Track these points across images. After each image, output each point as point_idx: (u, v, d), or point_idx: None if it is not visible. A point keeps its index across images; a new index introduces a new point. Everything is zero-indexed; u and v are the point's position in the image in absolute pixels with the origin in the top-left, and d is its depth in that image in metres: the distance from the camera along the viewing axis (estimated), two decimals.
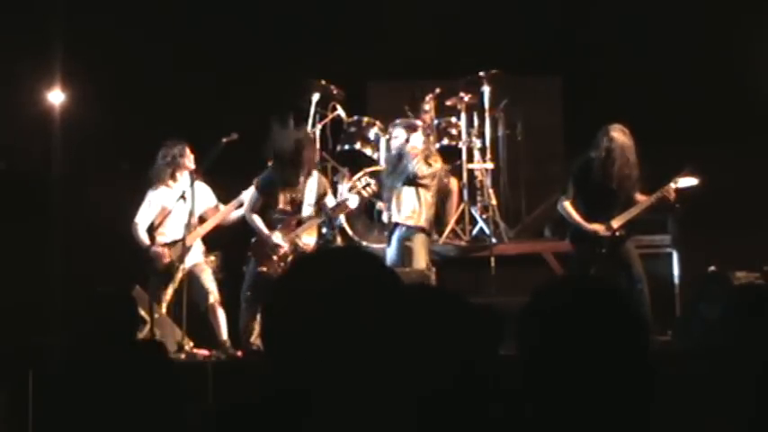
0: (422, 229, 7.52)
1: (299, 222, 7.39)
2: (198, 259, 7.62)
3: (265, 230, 7.38)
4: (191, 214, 7.51)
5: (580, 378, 1.30)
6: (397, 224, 7.59)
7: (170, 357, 5.07)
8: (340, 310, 1.65)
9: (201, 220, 7.70)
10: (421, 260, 7.28)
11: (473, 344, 1.81)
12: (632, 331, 1.36)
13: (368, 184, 7.55)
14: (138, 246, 7.59)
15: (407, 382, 1.66)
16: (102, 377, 3.98)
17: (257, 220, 7.45)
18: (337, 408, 1.64)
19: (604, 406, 1.28)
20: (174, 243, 7.46)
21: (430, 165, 7.56)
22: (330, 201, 7.55)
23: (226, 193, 7.79)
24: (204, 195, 7.68)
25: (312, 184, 7.45)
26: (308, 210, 7.40)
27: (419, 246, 7.36)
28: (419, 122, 8.40)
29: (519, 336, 1.56)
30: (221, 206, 7.72)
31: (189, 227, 7.46)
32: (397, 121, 8.08)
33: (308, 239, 7.42)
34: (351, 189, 7.60)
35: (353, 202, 7.44)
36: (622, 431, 1.28)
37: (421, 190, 7.52)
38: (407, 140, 7.55)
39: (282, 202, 7.42)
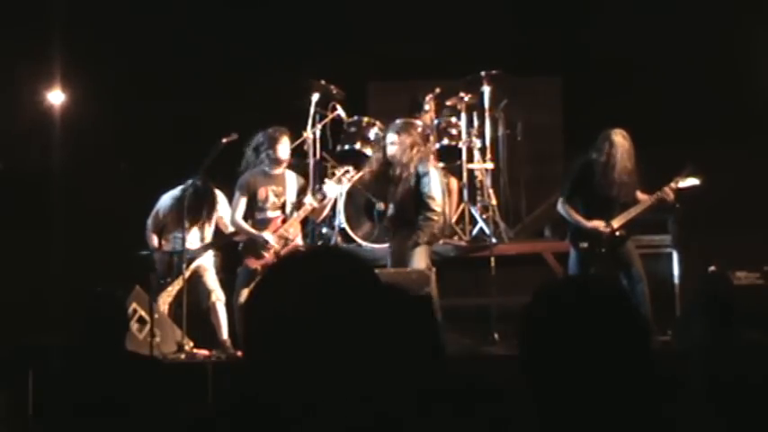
0: None
1: (284, 221, 7.50)
2: (204, 260, 7.64)
3: (253, 230, 7.47)
4: (203, 226, 7.59)
5: (582, 378, 1.30)
6: None
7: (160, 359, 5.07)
8: (317, 310, 1.66)
9: (217, 228, 7.77)
10: (422, 261, 7.28)
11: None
12: (634, 331, 1.36)
13: (346, 171, 7.64)
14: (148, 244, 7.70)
15: (388, 380, 1.67)
16: (93, 377, 3.99)
17: (243, 223, 7.52)
18: (317, 410, 1.65)
19: (606, 406, 1.28)
20: (178, 253, 7.46)
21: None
22: (309, 198, 7.59)
23: (225, 193, 7.80)
24: (220, 206, 7.73)
25: (291, 181, 7.56)
26: (290, 207, 7.53)
27: (422, 247, 7.35)
28: (419, 122, 8.40)
29: (520, 336, 1.55)
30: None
31: (201, 239, 7.58)
32: (397, 121, 8.09)
33: (295, 232, 7.56)
34: (331, 178, 7.75)
35: (332, 191, 7.56)
36: (624, 431, 1.28)
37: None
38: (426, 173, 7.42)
39: (265, 196, 7.50)
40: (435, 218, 7.28)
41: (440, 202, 7.33)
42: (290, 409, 1.63)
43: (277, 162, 7.47)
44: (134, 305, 7.36)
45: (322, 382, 1.62)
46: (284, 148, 7.52)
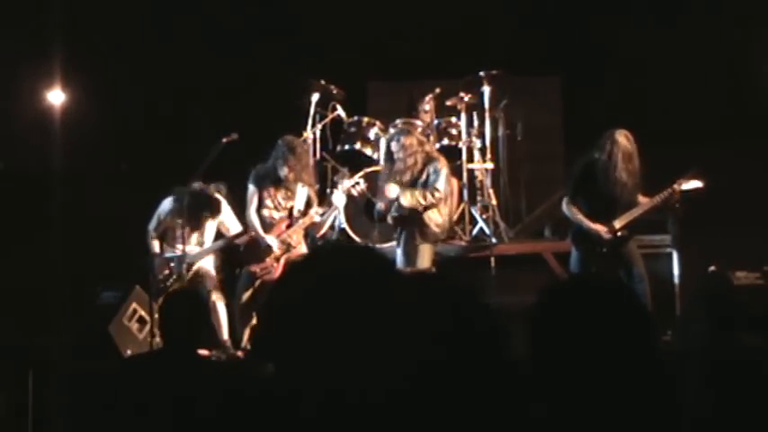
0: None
1: (289, 226, 7.49)
2: (205, 261, 7.64)
3: (261, 232, 7.47)
4: (203, 230, 7.58)
5: (591, 377, 1.30)
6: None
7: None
8: (331, 309, 1.67)
9: (219, 233, 7.75)
10: (426, 260, 7.28)
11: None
12: (642, 329, 1.36)
13: (356, 183, 7.64)
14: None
15: (399, 374, 1.68)
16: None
17: (256, 222, 7.51)
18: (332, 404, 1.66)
19: (615, 404, 1.28)
20: (177, 259, 7.45)
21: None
22: (314, 210, 7.61)
23: (226, 193, 7.79)
24: (221, 210, 7.71)
25: (302, 193, 7.58)
26: (296, 215, 7.54)
27: (425, 246, 7.35)
28: (419, 122, 8.41)
29: (529, 335, 1.55)
30: (235, 224, 7.70)
31: (201, 243, 7.57)
32: (398, 122, 8.09)
33: (297, 239, 7.56)
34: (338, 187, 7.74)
35: (340, 201, 7.56)
36: (633, 429, 1.28)
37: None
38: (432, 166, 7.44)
39: (275, 198, 7.50)
40: (434, 202, 7.30)
41: (442, 195, 7.34)
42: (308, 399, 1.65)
43: (286, 171, 7.49)
44: (134, 305, 7.37)
45: (336, 372, 1.64)
46: (293, 159, 7.52)
